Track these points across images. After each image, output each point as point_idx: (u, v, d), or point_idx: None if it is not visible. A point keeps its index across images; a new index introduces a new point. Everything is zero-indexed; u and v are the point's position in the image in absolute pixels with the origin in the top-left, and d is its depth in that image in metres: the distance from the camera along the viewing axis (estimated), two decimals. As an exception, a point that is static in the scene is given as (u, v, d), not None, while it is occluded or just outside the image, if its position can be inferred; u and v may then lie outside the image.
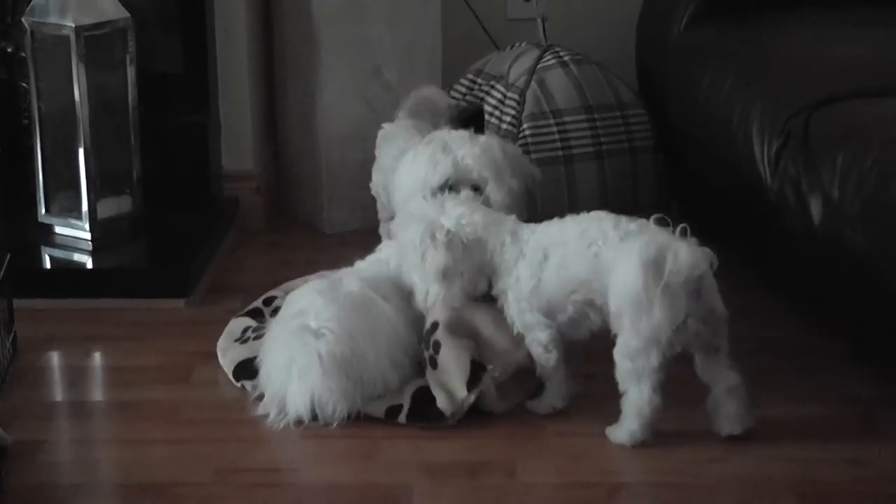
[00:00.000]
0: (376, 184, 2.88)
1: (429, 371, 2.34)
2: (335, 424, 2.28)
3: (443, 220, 2.34)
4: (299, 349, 2.31)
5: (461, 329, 2.34)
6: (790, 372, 2.48)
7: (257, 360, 2.40)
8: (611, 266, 2.21)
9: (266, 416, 2.32)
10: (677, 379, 2.42)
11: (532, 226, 2.37)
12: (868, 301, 2.33)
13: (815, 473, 2.15)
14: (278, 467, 2.21)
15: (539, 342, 2.32)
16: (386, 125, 2.89)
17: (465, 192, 2.50)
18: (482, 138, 2.60)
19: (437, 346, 2.33)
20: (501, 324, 2.36)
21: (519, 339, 2.34)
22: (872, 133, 2.35)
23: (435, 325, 2.34)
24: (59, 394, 2.54)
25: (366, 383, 2.31)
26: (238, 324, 2.59)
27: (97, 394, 2.55)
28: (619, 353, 2.21)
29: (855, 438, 2.25)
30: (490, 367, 2.32)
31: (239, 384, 2.44)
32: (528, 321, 2.32)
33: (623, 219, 2.28)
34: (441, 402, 2.29)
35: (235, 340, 2.54)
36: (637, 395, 2.21)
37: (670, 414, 2.32)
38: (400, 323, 2.37)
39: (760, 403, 2.35)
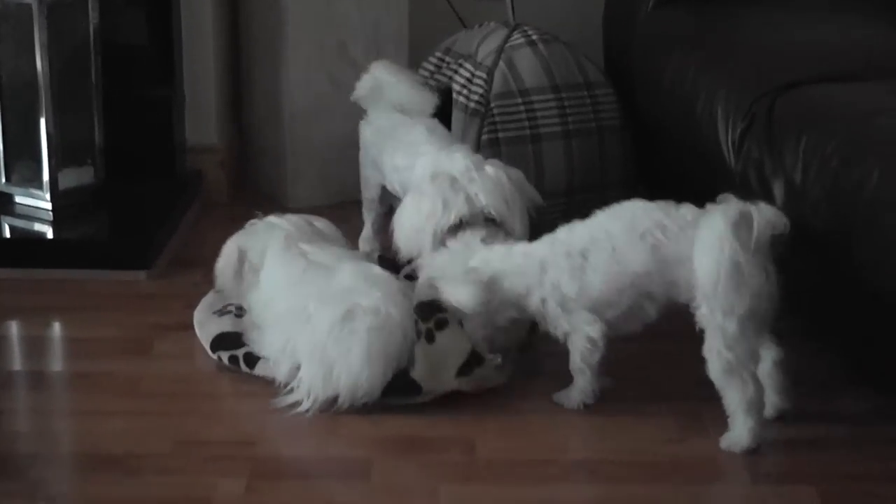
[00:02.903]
0: (367, 143, 2.85)
1: (421, 343, 2.29)
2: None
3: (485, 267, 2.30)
4: (354, 337, 2.25)
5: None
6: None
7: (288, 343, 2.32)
8: (679, 255, 2.15)
9: (294, 403, 2.27)
10: (636, 358, 2.44)
11: (550, 235, 2.31)
12: (829, 283, 2.34)
13: (772, 454, 2.16)
14: (237, 440, 2.21)
15: (588, 338, 2.25)
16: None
17: (486, 230, 2.42)
18: (488, 169, 2.49)
19: (440, 323, 2.29)
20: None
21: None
22: (836, 117, 2.36)
23: (440, 305, 2.30)
24: (17, 363, 2.52)
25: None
26: (217, 297, 2.57)
27: (56, 364, 2.54)
28: (712, 347, 2.12)
29: (813, 419, 2.27)
30: (490, 356, 2.30)
31: (215, 355, 2.42)
32: (574, 321, 2.26)
33: (669, 205, 2.22)
34: (419, 373, 2.27)
35: (214, 312, 2.52)
36: (742, 388, 2.11)
37: (629, 393, 2.33)
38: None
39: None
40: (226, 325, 2.47)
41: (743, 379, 2.11)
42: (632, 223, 2.21)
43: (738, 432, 2.14)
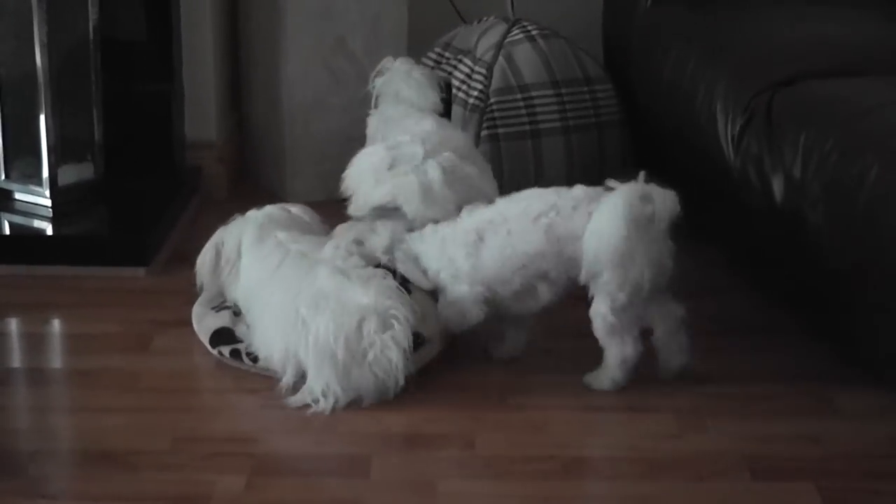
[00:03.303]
0: (373, 133, 2.83)
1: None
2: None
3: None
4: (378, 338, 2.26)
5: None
6: (748, 348, 2.50)
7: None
8: (573, 231, 2.27)
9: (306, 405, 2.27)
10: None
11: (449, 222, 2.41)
12: (827, 279, 2.34)
13: (769, 450, 2.17)
14: (237, 437, 2.21)
15: (462, 302, 2.36)
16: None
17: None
18: (445, 159, 2.48)
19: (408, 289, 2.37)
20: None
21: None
22: (835, 113, 2.36)
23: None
24: (16, 360, 2.52)
25: None
26: (207, 296, 2.56)
27: (55, 361, 2.54)
28: (600, 312, 2.27)
29: (810, 416, 2.27)
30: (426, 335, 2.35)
31: (215, 350, 2.42)
32: (461, 290, 2.36)
33: (561, 189, 2.34)
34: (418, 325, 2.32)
35: (213, 308, 2.51)
36: (621, 346, 2.29)
37: (627, 389, 2.33)
38: None
39: (717, 379, 2.37)
40: (224, 319, 2.47)
41: (623, 340, 2.28)
42: (526, 208, 2.33)
43: (604, 377, 2.31)
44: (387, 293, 2.30)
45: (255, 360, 2.38)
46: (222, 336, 2.44)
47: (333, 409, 2.25)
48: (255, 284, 2.40)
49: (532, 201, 2.34)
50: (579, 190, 2.32)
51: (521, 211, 2.33)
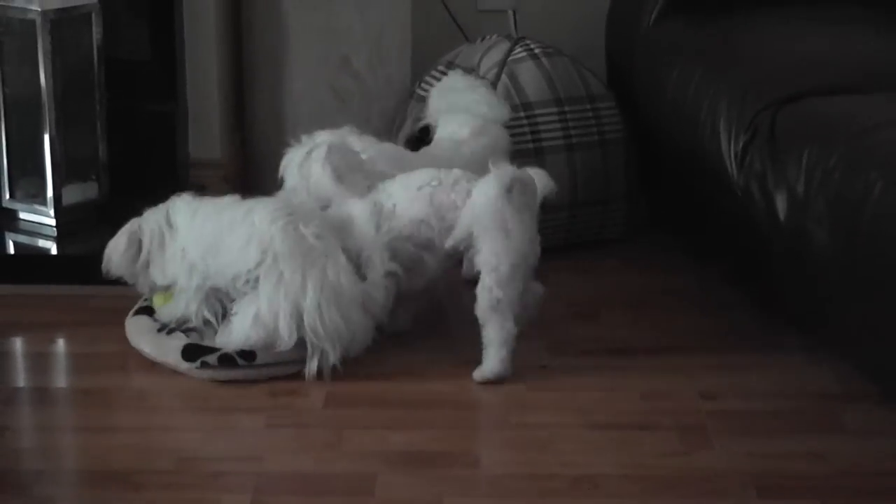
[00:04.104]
0: None
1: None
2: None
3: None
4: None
5: None
6: (753, 365, 2.50)
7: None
8: (452, 202, 2.44)
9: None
10: (637, 371, 2.44)
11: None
12: (832, 296, 2.34)
13: (776, 467, 2.16)
14: (241, 456, 2.21)
15: (377, 271, 2.47)
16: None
17: None
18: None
19: None
20: None
21: None
22: (838, 129, 2.36)
23: None
24: (21, 380, 2.52)
25: None
26: (143, 322, 2.55)
27: (60, 380, 2.54)
28: (486, 286, 2.39)
29: (816, 433, 2.27)
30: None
31: (196, 362, 2.41)
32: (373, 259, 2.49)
33: (442, 170, 2.52)
34: None
35: (160, 331, 2.50)
36: (501, 324, 2.38)
37: (632, 407, 2.33)
38: None
39: (722, 396, 2.37)
40: (179, 341, 2.46)
41: (504, 316, 2.38)
42: (408, 182, 2.51)
43: (491, 363, 2.40)
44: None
45: (250, 357, 2.38)
46: (199, 349, 2.43)
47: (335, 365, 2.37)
48: (201, 226, 2.49)
49: (412, 177, 2.52)
50: (459, 171, 2.50)
51: (404, 185, 2.50)
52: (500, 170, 2.39)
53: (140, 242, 2.52)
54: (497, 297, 2.38)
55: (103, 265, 2.55)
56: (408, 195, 2.49)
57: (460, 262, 2.52)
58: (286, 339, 2.39)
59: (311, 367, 2.39)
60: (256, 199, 2.53)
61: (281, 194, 2.63)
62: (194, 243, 2.48)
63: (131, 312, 2.59)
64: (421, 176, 2.51)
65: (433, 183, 2.48)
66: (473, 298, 2.41)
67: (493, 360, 2.40)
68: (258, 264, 2.41)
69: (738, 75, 2.68)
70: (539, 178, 2.42)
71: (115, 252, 2.53)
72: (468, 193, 2.43)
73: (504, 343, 2.39)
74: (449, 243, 2.44)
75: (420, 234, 2.48)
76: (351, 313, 2.40)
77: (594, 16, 3.35)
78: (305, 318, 2.37)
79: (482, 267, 2.40)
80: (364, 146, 2.63)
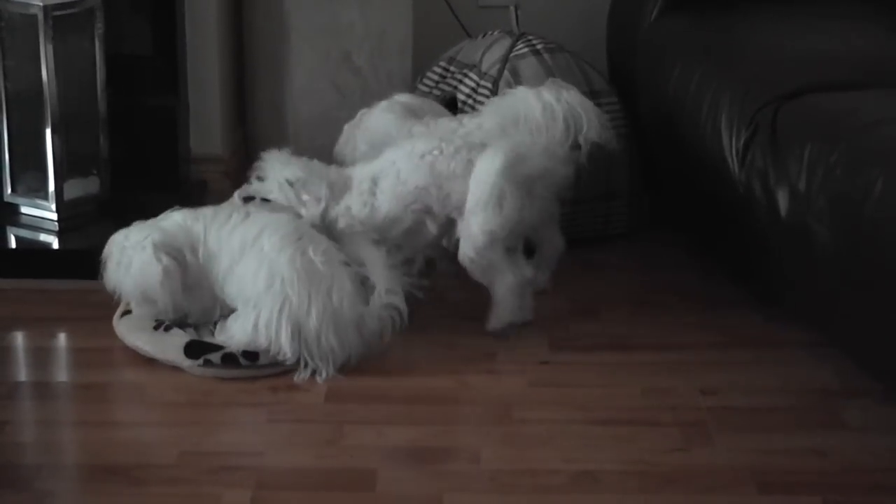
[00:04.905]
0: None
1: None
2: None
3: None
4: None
5: None
6: (754, 362, 2.50)
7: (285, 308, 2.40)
8: (452, 171, 2.51)
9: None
10: (639, 367, 2.45)
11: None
12: (833, 292, 2.34)
13: (777, 463, 2.16)
14: (243, 450, 2.21)
15: (363, 255, 2.52)
16: None
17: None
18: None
19: None
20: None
21: None
22: (839, 126, 2.36)
23: None
24: (22, 374, 2.52)
25: None
26: (136, 320, 2.54)
27: (61, 375, 2.54)
28: (464, 253, 2.49)
29: (817, 429, 2.27)
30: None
31: (199, 360, 2.41)
32: (358, 240, 2.56)
33: (445, 136, 2.59)
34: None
35: (156, 328, 2.50)
36: (503, 276, 2.49)
37: (633, 403, 2.33)
38: None
39: (723, 392, 2.37)
40: (178, 338, 2.46)
41: (502, 271, 2.49)
42: (413, 149, 2.58)
43: (501, 312, 2.52)
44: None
45: (253, 357, 2.38)
46: (202, 346, 2.43)
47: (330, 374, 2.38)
48: (237, 246, 2.47)
49: (417, 143, 2.59)
50: (459, 140, 2.57)
51: (408, 152, 2.57)
52: (504, 143, 2.47)
53: (175, 263, 2.47)
54: (479, 264, 2.50)
55: (135, 305, 2.52)
56: (411, 162, 2.56)
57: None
58: (289, 354, 2.40)
59: (304, 376, 2.40)
60: (264, 217, 2.50)
61: (283, 208, 2.65)
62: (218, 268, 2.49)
63: (118, 314, 2.57)
64: (424, 144, 2.57)
65: (434, 152, 2.54)
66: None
67: (500, 311, 2.52)
68: (267, 288, 2.41)
69: (740, 72, 2.68)
70: (540, 158, 2.51)
71: (153, 282, 2.46)
72: (468, 163, 2.50)
73: (512, 291, 2.50)
74: (462, 221, 2.50)
75: (421, 201, 2.56)
76: (347, 336, 2.41)
77: (596, 12, 3.34)
78: (304, 336, 2.38)
79: (462, 234, 2.51)
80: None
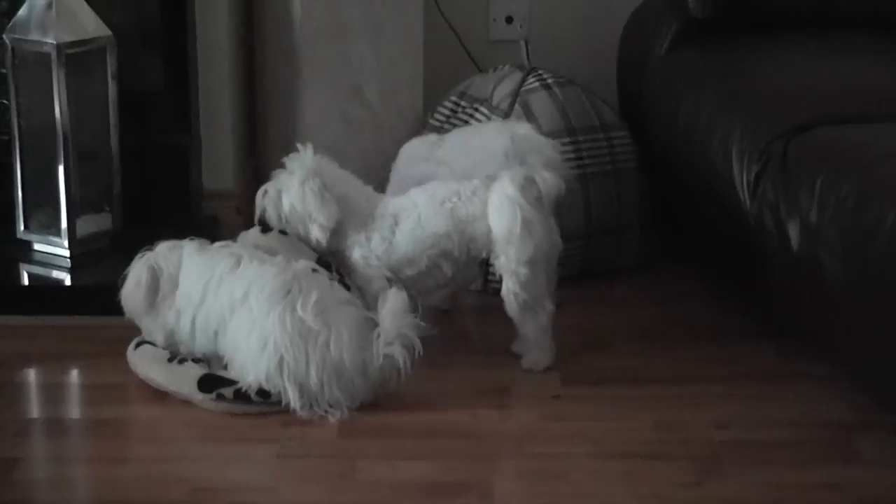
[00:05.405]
0: None
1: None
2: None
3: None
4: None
5: None
6: (767, 395, 2.49)
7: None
8: (472, 214, 2.53)
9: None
10: (652, 400, 2.44)
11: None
12: (845, 325, 2.33)
13: (790, 498, 2.16)
14: (254, 486, 2.21)
15: (375, 289, 2.55)
16: None
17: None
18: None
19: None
20: None
21: None
22: (851, 158, 2.36)
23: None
24: (35, 411, 2.53)
25: None
26: (151, 351, 2.54)
27: (74, 411, 2.54)
28: (511, 290, 2.50)
29: (831, 462, 2.26)
30: None
31: (212, 394, 2.41)
32: (371, 273, 2.59)
33: (462, 180, 2.60)
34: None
35: (170, 361, 2.50)
36: (535, 318, 2.52)
37: (645, 437, 2.33)
38: None
39: (737, 426, 2.36)
40: (193, 370, 2.46)
41: (536, 312, 2.52)
42: (433, 194, 2.59)
43: (535, 353, 2.54)
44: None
45: (266, 395, 2.38)
46: (215, 380, 2.43)
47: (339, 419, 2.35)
48: (206, 286, 2.47)
49: (437, 188, 2.60)
50: (476, 180, 2.57)
51: (429, 197, 2.58)
52: (510, 171, 2.50)
53: (159, 280, 2.51)
54: (524, 298, 2.50)
55: (122, 295, 2.54)
56: (432, 208, 2.58)
57: (479, 264, 2.65)
58: (298, 408, 2.37)
59: (310, 418, 2.38)
60: (252, 271, 2.46)
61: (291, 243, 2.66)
62: (198, 315, 2.49)
63: (132, 345, 2.57)
64: (444, 190, 2.59)
65: (453, 199, 2.56)
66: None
67: (536, 351, 2.54)
68: (261, 350, 2.38)
69: (750, 104, 2.68)
70: (550, 179, 2.50)
71: (136, 283, 2.52)
72: (484, 203, 2.52)
73: (544, 333, 2.53)
74: (499, 259, 2.52)
75: (438, 246, 2.57)
76: (353, 385, 2.37)
77: (606, 46, 3.35)
78: (306, 392, 2.36)
79: (503, 271, 2.51)
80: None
